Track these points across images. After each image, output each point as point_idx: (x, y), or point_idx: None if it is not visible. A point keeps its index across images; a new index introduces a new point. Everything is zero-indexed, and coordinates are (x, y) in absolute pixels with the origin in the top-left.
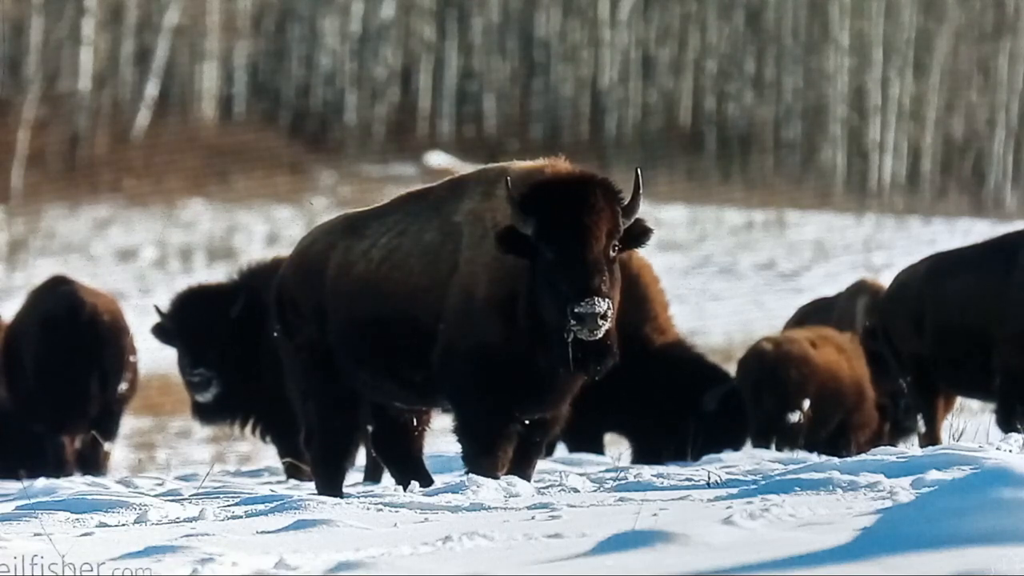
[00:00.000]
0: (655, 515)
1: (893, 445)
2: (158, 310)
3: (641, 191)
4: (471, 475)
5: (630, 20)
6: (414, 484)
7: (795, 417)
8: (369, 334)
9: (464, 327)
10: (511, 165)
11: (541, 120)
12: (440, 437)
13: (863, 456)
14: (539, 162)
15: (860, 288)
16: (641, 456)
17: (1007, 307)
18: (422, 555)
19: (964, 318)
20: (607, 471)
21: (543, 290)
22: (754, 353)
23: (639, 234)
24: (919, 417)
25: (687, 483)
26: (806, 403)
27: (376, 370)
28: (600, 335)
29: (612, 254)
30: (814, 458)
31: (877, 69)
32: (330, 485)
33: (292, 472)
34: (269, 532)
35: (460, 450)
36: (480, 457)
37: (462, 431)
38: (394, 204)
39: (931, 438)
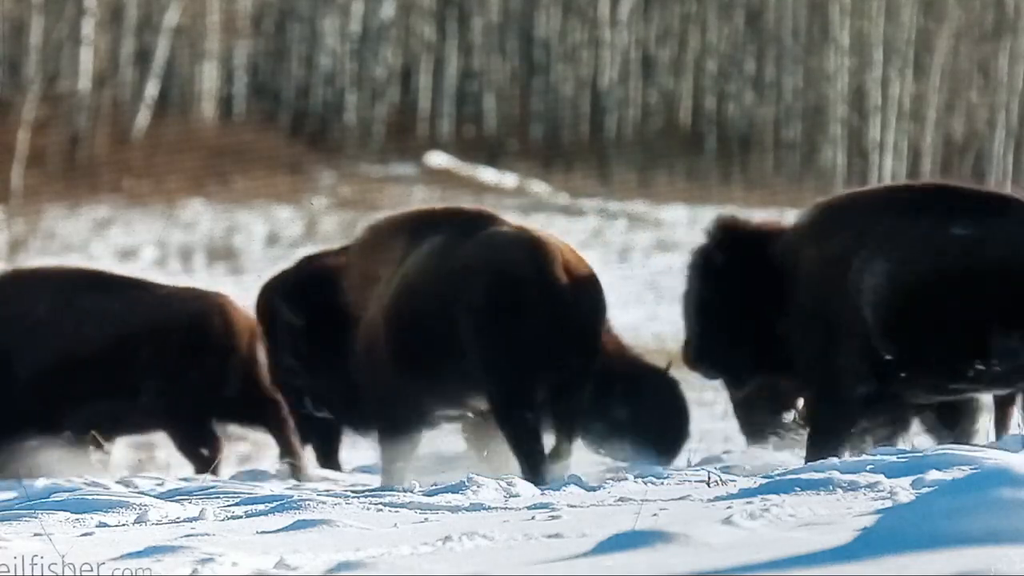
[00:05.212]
0: (655, 515)
1: (893, 445)
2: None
3: None
4: (471, 475)
5: (630, 20)
6: (414, 484)
7: (791, 417)
8: None
9: None
10: None
11: (541, 120)
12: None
13: (863, 456)
14: None
15: None
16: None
17: None
18: (422, 555)
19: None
20: (607, 471)
21: None
22: None
23: None
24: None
25: (687, 483)
26: (800, 402)
27: None
28: None
29: None
30: None
31: (877, 69)
32: None
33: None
34: (269, 532)
35: None
36: None
37: None
38: None
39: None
